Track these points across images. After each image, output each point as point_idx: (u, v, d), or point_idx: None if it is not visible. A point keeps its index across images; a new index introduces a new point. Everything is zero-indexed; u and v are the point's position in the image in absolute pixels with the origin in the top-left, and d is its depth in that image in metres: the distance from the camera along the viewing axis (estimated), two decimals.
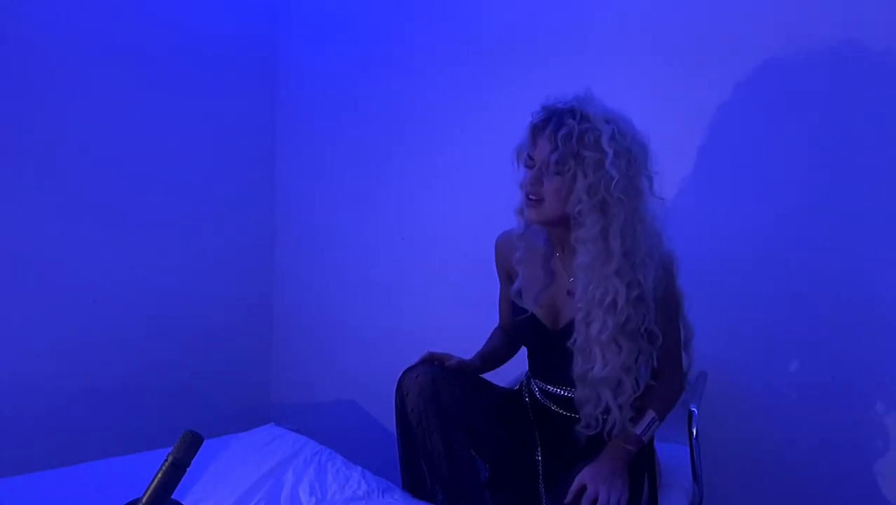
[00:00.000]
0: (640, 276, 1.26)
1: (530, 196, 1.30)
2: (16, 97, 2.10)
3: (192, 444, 0.92)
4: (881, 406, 1.46)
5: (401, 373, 1.46)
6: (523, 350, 1.55)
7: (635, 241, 1.26)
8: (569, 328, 1.33)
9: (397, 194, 2.33)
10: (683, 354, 1.39)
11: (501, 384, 1.60)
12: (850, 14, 1.43)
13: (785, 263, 1.56)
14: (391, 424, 1.50)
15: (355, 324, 2.50)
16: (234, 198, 2.64)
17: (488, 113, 2.05)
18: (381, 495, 1.43)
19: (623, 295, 1.25)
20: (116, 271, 2.34)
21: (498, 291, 1.59)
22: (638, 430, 1.31)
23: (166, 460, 0.91)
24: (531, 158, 1.30)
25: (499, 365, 1.60)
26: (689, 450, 1.42)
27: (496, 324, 1.66)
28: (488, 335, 1.65)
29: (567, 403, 1.41)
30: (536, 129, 1.29)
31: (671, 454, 1.51)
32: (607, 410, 1.29)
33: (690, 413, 1.40)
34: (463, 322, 2.11)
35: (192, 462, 0.92)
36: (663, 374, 1.36)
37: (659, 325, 1.31)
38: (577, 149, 1.23)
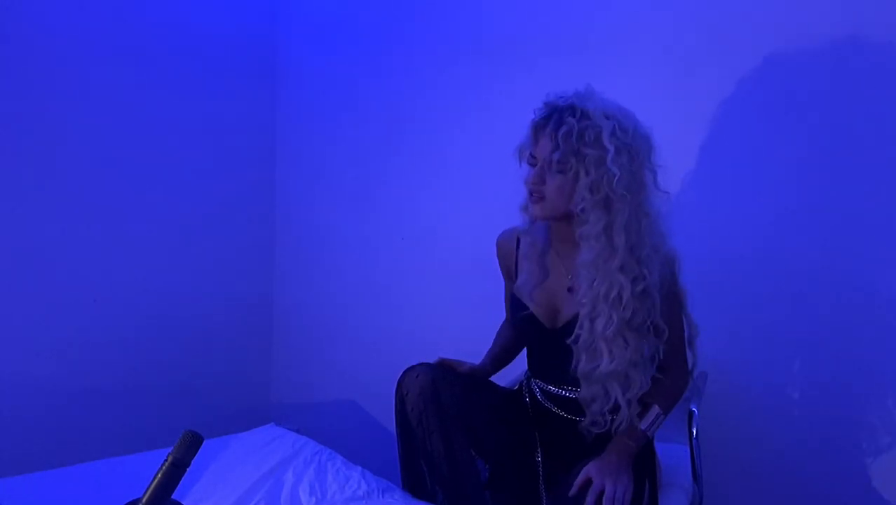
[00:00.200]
0: (645, 270, 1.26)
1: (533, 194, 1.30)
2: (16, 97, 2.10)
3: (192, 444, 0.92)
4: (881, 406, 1.46)
5: (401, 373, 1.46)
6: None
7: (640, 235, 1.26)
8: (568, 326, 1.33)
9: (397, 194, 2.33)
10: (688, 350, 1.39)
11: (501, 384, 1.60)
12: (850, 14, 1.43)
13: (785, 263, 1.55)
14: (391, 424, 1.49)
15: (355, 324, 2.50)
16: (234, 198, 2.64)
17: (488, 113, 2.05)
18: (381, 495, 1.42)
19: (628, 290, 1.25)
20: (116, 271, 2.34)
21: (501, 289, 1.59)
22: (643, 424, 1.31)
23: (166, 460, 0.91)
24: (533, 156, 1.30)
25: (510, 361, 1.61)
26: (689, 450, 1.41)
27: (497, 323, 1.66)
28: (488, 335, 1.65)
29: (568, 403, 1.41)
30: (538, 127, 1.29)
31: (671, 454, 1.51)
32: (616, 406, 1.29)
33: (690, 413, 1.40)
34: (463, 322, 2.12)
35: (192, 462, 0.92)
36: (668, 369, 1.36)
37: (664, 319, 1.31)
38: (577, 147, 1.23)
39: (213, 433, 1.49)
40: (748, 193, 1.60)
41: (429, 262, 2.25)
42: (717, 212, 1.64)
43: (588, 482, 1.23)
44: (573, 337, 1.31)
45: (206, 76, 2.51)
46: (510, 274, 1.50)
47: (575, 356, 1.31)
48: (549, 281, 1.41)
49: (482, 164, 2.07)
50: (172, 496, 0.92)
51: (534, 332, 1.42)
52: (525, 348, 1.59)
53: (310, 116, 2.62)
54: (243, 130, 2.65)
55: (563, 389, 1.42)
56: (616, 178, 1.21)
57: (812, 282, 1.52)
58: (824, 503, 1.53)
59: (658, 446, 1.44)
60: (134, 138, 2.35)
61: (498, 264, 1.55)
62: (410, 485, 1.48)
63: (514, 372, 1.63)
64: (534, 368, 1.50)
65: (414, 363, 1.47)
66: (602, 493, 1.20)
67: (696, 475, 1.42)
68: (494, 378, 1.58)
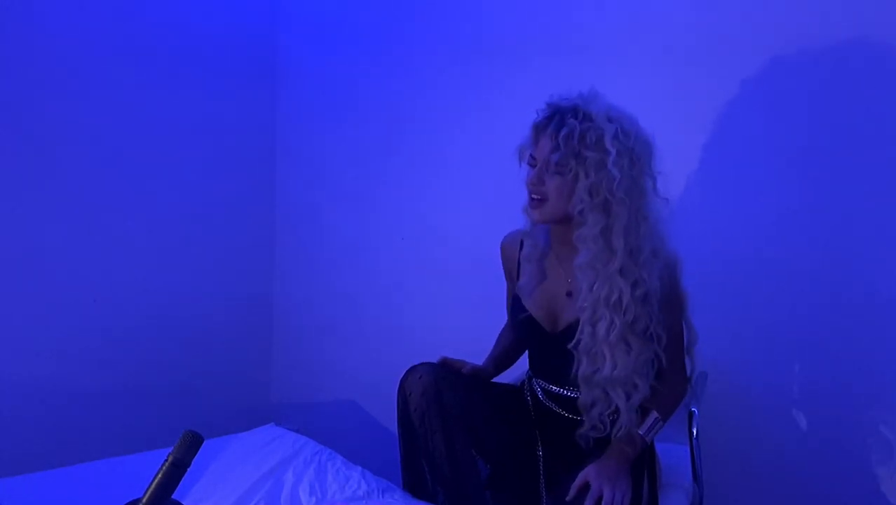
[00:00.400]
0: (644, 274, 1.26)
1: (533, 195, 1.30)
2: (16, 97, 2.09)
3: (192, 444, 0.92)
4: (881, 406, 1.46)
5: (402, 373, 1.46)
6: None
7: (639, 239, 1.25)
8: (569, 331, 1.33)
9: (397, 194, 2.33)
10: (686, 357, 1.39)
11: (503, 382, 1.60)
12: (851, 14, 1.43)
13: (785, 264, 1.55)
14: (391, 424, 1.49)
15: (355, 324, 2.50)
16: (234, 198, 2.64)
17: (488, 113, 2.05)
18: (381, 495, 1.42)
19: (628, 293, 1.24)
20: (116, 271, 2.34)
21: (502, 289, 1.59)
22: (641, 430, 1.31)
23: (166, 460, 0.91)
24: (533, 157, 1.30)
25: (511, 364, 1.61)
26: (689, 450, 1.41)
27: (497, 323, 1.66)
28: (489, 335, 1.65)
29: (570, 403, 1.41)
30: (539, 128, 1.29)
31: (671, 454, 1.51)
32: (616, 412, 1.29)
33: (691, 413, 1.40)
34: (463, 322, 2.12)
35: (192, 462, 0.92)
36: (667, 375, 1.35)
37: (663, 325, 1.30)
38: (578, 149, 1.22)
39: (213, 433, 1.49)
40: (748, 194, 1.60)
41: (429, 262, 2.25)
42: (718, 212, 1.65)
43: (586, 486, 1.23)
44: (574, 342, 1.30)
45: (206, 76, 2.51)
46: (513, 277, 1.50)
47: (576, 360, 1.31)
48: (549, 285, 1.41)
49: (482, 164, 2.07)
50: (172, 496, 0.92)
51: (534, 335, 1.42)
52: (524, 351, 1.59)
53: (310, 116, 2.62)
54: (243, 130, 2.65)
55: (564, 388, 1.42)
56: (616, 181, 1.21)
57: (812, 282, 1.52)
58: (824, 503, 1.53)
59: (658, 446, 1.44)
60: (134, 138, 2.35)
61: (501, 266, 1.54)
62: (411, 485, 1.48)
63: (514, 372, 1.63)
64: (535, 369, 1.50)
65: (414, 363, 1.47)
66: (600, 498, 1.20)
67: (696, 475, 1.42)
68: (496, 379, 1.58)
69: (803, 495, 1.56)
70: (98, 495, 1.35)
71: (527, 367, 1.55)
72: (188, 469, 0.92)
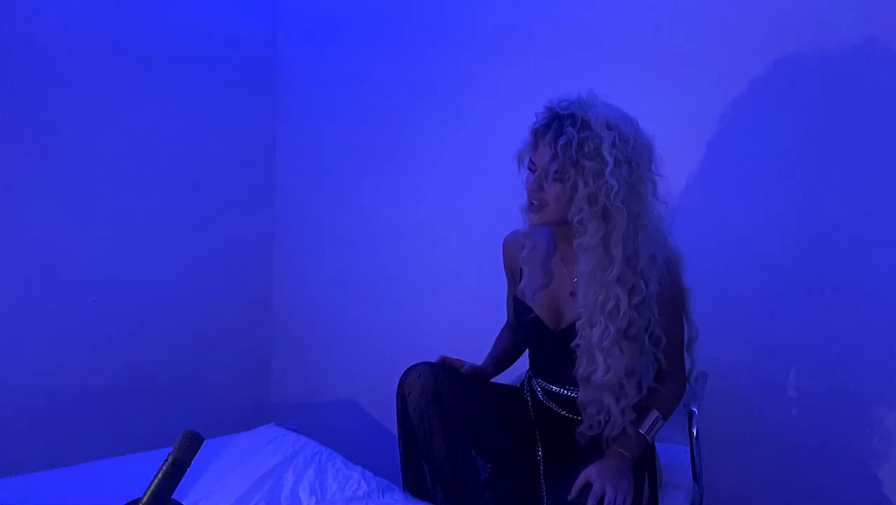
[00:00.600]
0: (642, 282, 1.26)
1: (532, 201, 1.30)
2: (16, 97, 2.09)
3: (192, 444, 0.92)
4: (881, 406, 1.46)
5: (402, 372, 1.46)
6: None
7: (637, 247, 1.25)
8: (571, 329, 1.33)
9: (397, 194, 2.33)
10: (686, 355, 1.39)
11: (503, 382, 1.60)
12: (852, 15, 1.43)
13: (785, 264, 1.55)
14: (391, 424, 1.49)
15: (355, 324, 2.50)
16: (234, 198, 2.64)
17: (488, 113, 2.05)
18: (381, 495, 1.43)
19: (625, 301, 1.25)
20: (116, 271, 2.34)
21: (502, 289, 1.59)
22: (642, 429, 1.31)
23: (166, 460, 0.91)
24: (533, 162, 1.30)
25: (510, 365, 1.61)
26: (689, 450, 1.41)
27: (497, 322, 1.66)
28: (488, 334, 1.65)
29: (569, 402, 1.41)
30: (538, 134, 1.29)
31: (671, 454, 1.51)
32: (608, 414, 1.29)
33: (691, 413, 1.40)
34: (463, 322, 2.12)
35: (192, 462, 0.92)
36: (667, 375, 1.36)
37: (663, 327, 1.31)
38: (576, 158, 1.22)
39: (213, 433, 1.49)
40: (748, 194, 1.60)
41: (428, 261, 2.25)
42: (718, 213, 1.64)
43: (587, 486, 1.23)
44: (575, 341, 1.31)
45: (206, 76, 2.51)
46: (514, 276, 1.50)
47: (578, 359, 1.31)
48: (553, 284, 1.41)
49: (482, 164, 2.07)
50: (172, 496, 0.92)
51: (537, 334, 1.42)
52: (523, 352, 1.59)
53: (310, 116, 2.62)
54: (243, 130, 2.65)
55: (564, 388, 1.42)
56: (614, 190, 1.21)
57: (812, 283, 1.52)
58: (824, 503, 1.53)
59: (658, 446, 1.44)
60: (134, 138, 2.35)
61: (503, 266, 1.54)
62: (411, 485, 1.48)
63: (514, 372, 1.63)
64: (535, 368, 1.50)
65: (414, 363, 1.47)
66: (602, 498, 1.20)
67: (696, 475, 1.42)
68: (494, 380, 1.58)
69: (803, 495, 1.56)
70: (98, 495, 1.35)
71: (526, 367, 1.55)
72: (188, 469, 0.93)
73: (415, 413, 1.41)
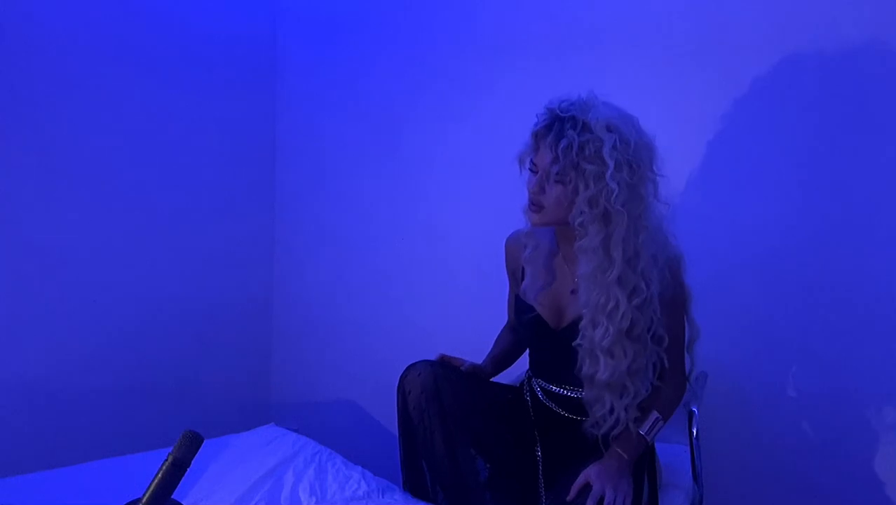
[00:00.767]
0: (643, 282, 1.26)
1: (533, 202, 1.30)
2: (16, 97, 2.10)
3: (192, 444, 0.92)
4: (882, 406, 1.46)
5: (402, 372, 1.46)
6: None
7: (637, 248, 1.26)
8: (572, 328, 1.33)
9: (397, 194, 2.33)
10: (686, 355, 1.39)
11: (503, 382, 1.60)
12: (854, 15, 1.43)
13: (786, 264, 1.55)
14: (391, 424, 1.49)
15: (355, 324, 2.50)
16: (234, 197, 2.65)
17: (488, 112, 2.05)
18: (381, 495, 1.43)
19: (625, 302, 1.25)
20: (116, 271, 2.34)
21: (501, 289, 1.58)
22: (642, 430, 1.31)
23: (166, 460, 0.91)
24: (534, 164, 1.30)
25: (509, 365, 1.61)
26: (689, 450, 1.41)
27: (496, 322, 1.66)
28: (488, 334, 1.65)
29: (569, 402, 1.41)
30: (538, 136, 1.29)
31: (671, 454, 1.51)
32: (612, 412, 1.30)
33: (691, 413, 1.40)
34: (463, 321, 2.12)
35: (192, 462, 0.92)
36: (667, 375, 1.36)
37: (665, 327, 1.31)
38: (577, 161, 1.22)
39: (213, 433, 1.49)
40: (748, 194, 1.60)
41: (428, 261, 2.25)
42: (718, 212, 1.64)
43: (587, 486, 1.23)
44: (578, 341, 1.31)
45: (206, 76, 2.51)
46: (516, 276, 1.50)
47: (579, 358, 1.31)
48: (555, 283, 1.41)
49: (482, 164, 2.07)
50: (172, 496, 0.92)
51: (538, 332, 1.42)
52: (523, 353, 1.59)
53: (310, 116, 2.62)
54: (243, 130, 2.65)
55: (564, 388, 1.42)
56: (615, 193, 1.21)
57: (813, 283, 1.52)
58: (824, 503, 1.53)
59: (658, 446, 1.44)
60: (134, 138, 2.35)
61: (504, 266, 1.55)
62: (412, 484, 1.48)
63: (515, 371, 1.63)
64: (535, 368, 1.50)
65: (414, 361, 1.47)
66: (601, 499, 1.20)
67: (696, 475, 1.42)
68: (494, 379, 1.58)
69: (803, 495, 1.56)
70: (98, 495, 1.35)
71: (526, 367, 1.55)
72: (188, 469, 0.93)
73: (415, 411, 1.41)
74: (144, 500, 0.90)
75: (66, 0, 2.16)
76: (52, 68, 2.16)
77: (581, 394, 1.35)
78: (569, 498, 1.24)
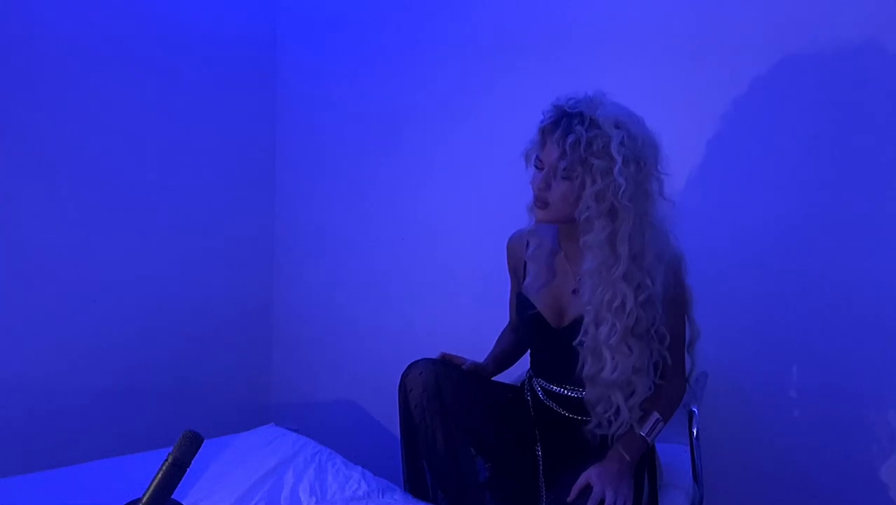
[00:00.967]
0: (648, 279, 1.26)
1: (538, 199, 1.30)
2: (16, 96, 2.10)
3: (192, 444, 0.92)
4: (882, 406, 1.46)
5: (402, 372, 1.46)
6: None
7: (643, 245, 1.26)
8: (573, 327, 1.33)
9: (398, 194, 2.33)
10: (687, 355, 1.39)
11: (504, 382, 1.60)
12: (853, 14, 1.43)
13: (786, 264, 1.55)
14: (391, 424, 1.50)
15: (355, 324, 2.50)
16: (234, 197, 2.65)
17: (488, 112, 2.05)
18: (381, 495, 1.43)
19: (631, 298, 1.25)
20: (116, 271, 2.34)
21: (501, 289, 1.58)
22: (643, 431, 1.31)
23: (166, 460, 0.91)
24: (540, 160, 1.30)
25: (511, 365, 1.61)
26: (689, 450, 1.41)
27: (496, 322, 1.66)
28: (488, 334, 1.65)
29: (570, 402, 1.41)
30: (546, 132, 1.29)
31: (671, 454, 1.51)
32: (617, 412, 1.29)
33: (691, 413, 1.40)
34: (463, 322, 2.12)
35: (192, 462, 0.92)
36: (667, 375, 1.36)
37: (666, 325, 1.31)
38: (584, 156, 1.22)
39: (213, 433, 1.49)
40: (748, 193, 1.60)
41: (428, 261, 2.25)
42: (718, 213, 1.64)
43: (587, 487, 1.23)
44: (578, 339, 1.31)
45: (206, 76, 2.51)
46: (518, 275, 1.50)
47: (581, 358, 1.31)
48: (556, 281, 1.41)
49: (482, 164, 2.07)
50: (172, 496, 0.92)
51: (539, 331, 1.42)
52: (524, 353, 1.59)
53: (310, 116, 2.62)
54: (243, 130, 2.65)
55: (564, 388, 1.42)
56: (622, 188, 1.21)
57: (813, 283, 1.52)
58: (824, 503, 1.53)
59: (658, 446, 1.44)
60: (134, 138, 2.35)
61: (506, 265, 1.55)
62: (412, 484, 1.48)
63: (515, 371, 1.63)
64: (536, 368, 1.50)
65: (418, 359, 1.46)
66: (602, 501, 1.20)
67: (696, 475, 1.42)
68: (495, 378, 1.59)
69: (803, 495, 1.56)
70: (98, 495, 1.35)
71: (527, 367, 1.55)
72: (188, 469, 0.93)
73: (416, 410, 1.41)
74: (144, 500, 0.90)
75: (66, 0, 2.17)
76: (52, 68, 2.16)
77: (582, 394, 1.35)
78: (569, 499, 1.24)
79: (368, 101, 2.41)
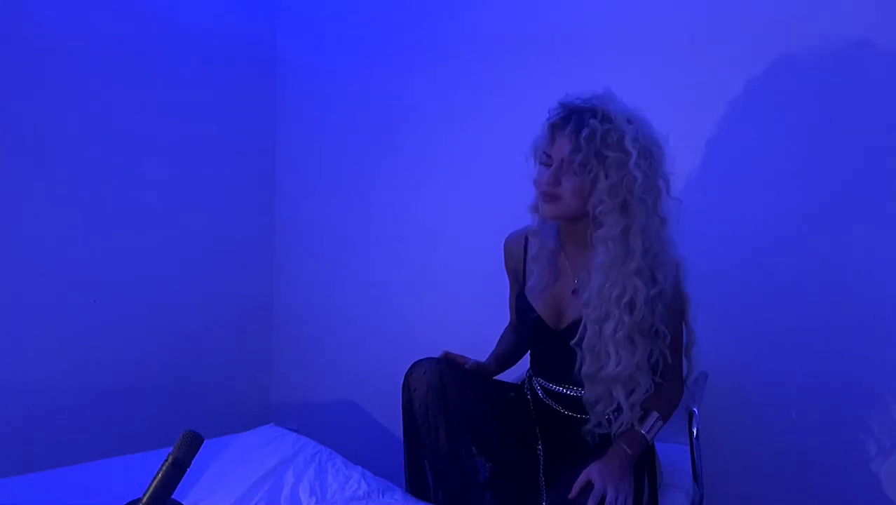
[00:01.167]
0: (659, 275, 1.27)
1: (547, 193, 1.30)
2: (15, 95, 2.09)
3: (192, 444, 0.92)
4: (881, 407, 1.46)
5: (403, 373, 1.46)
6: None
7: (655, 240, 1.26)
8: (572, 328, 1.33)
9: (398, 194, 2.33)
10: (684, 358, 1.39)
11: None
12: (857, 16, 1.43)
13: (786, 264, 1.56)
14: (391, 425, 1.50)
15: (355, 324, 2.50)
16: (234, 197, 2.64)
17: (488, 112, 2.05)
18: (381, 495, 1.42)
19: (642, 294, 1.25)
20: (116, 271, 2.34)
21: (501, 289, 1.58)
22: (643, 430, 1.31)
23: (166, 460, 0.91)
24: (548, 156, 1.30)
25: (513, 365, 1.61)
26: (689, 450, 1.42)
27: (496, 322, 1.66)
28: (488, 334, 1.65)
29: (570, 401, 1.41)
30: (555, 128, 1.28)
31: (671, 454, 1.51)
32: (618, 409, 1.29)
33: (691, 413, 1.40)
34: (463, 322, 2.12)
35: (192, 462, 0.92)
36: (667, 375, 1.36)
37: (667, 324, 1.31)
38: (599, 149, 1.22)
39: (213, 433, 1.49)
40: (748, 194, 1.60)
41: (428, 262, 2.25)
42: (718, 212, 1.65)
43: (588, 485, 1.23)
44: (577, 339, 1.30)
45: (206, 75, 2.51)
46: (517, 277, 1.50)
47: (578, 358, 1.31)
48: (557, 283, 1.41)
49: (483, 164, 2.07)
50: (172, 496, 0.92)
51: (538, 333, 1.42)
52: (525, 353, 1.59)
53: (310, 116, 2.62)
54: (243, 130, 2.65)
55: (563, 387, 1.42)
56: (637, 182, 1.22)
57: (813, 283, 1.52)
58: (824, 503, 1.53)
59: (658, 446, 1.44)
60: (134, 137, 2.35)
61: (504, 266, 1.54)
62: (413, 483, 1.48)
63: (515, 371, 1.63)
64: (536, 367, 1.51)
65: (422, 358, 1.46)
66: (603, 498, 1.20)
67: (696, 475, 1.42)
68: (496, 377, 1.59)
69: (803, 495, 1.56)
70: (98, 495, 1.35)
71: (528, 366, 1.55)
72: (188, 469, 0.93)
73: (420, 409, 1.41)
74: (144, 500, 0.89)
75: (65, 0, 2.16)
76: (52, 68, 2.15)
77: (581, 393, 1.35)
78: (570, 496, 1.24)
79: (368, 101, 2.41)
